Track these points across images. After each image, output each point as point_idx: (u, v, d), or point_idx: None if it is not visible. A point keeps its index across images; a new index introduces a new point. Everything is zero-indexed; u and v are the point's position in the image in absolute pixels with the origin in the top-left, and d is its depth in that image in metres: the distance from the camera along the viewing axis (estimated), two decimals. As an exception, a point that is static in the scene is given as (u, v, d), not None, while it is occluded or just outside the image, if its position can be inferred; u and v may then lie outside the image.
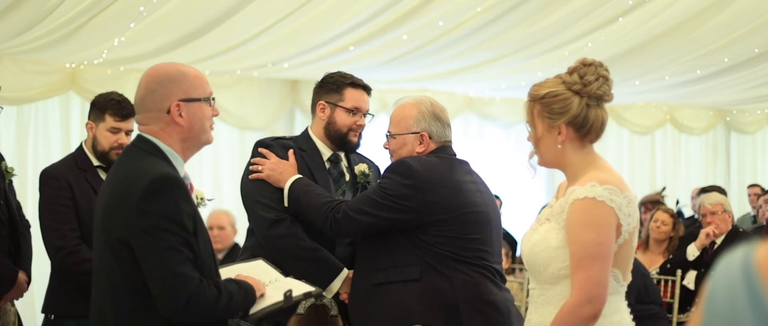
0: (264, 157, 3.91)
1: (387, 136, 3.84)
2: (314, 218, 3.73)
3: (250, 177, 3.88)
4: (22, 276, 4.45)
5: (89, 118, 4.48)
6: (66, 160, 4.58)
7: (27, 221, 4.65)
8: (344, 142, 3.97)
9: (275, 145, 3.95)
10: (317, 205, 3.71)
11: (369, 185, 4.04)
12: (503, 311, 3.67)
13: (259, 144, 3.98)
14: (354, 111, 3.95)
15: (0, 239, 4.37)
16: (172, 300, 2.69)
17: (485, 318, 3.61)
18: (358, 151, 4.14)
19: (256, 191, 3.88)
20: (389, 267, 3.67)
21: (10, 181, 4.57)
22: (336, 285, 3.81)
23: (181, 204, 2.72)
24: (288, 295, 3.02)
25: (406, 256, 3.65)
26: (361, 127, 3.97)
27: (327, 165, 4.00)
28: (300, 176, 3.83)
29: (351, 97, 3.97)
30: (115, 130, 4.37)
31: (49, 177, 4.42)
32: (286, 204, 3.81)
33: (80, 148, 4.52)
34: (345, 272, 3.83)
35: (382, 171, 3.94)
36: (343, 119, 3.95)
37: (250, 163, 3.94)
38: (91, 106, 4.50)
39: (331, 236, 3.77)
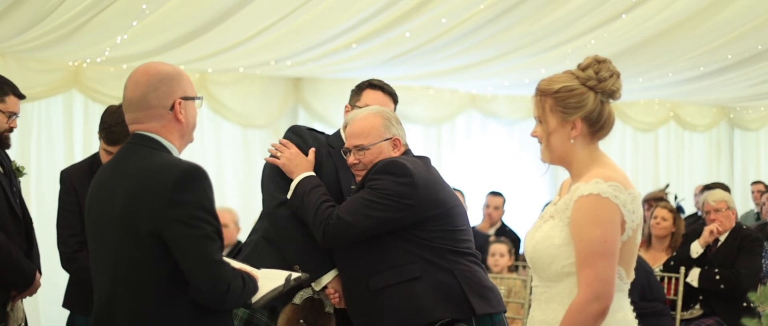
0: (290, 142, 3.95)
1: (358, 149, 3.77)
2: (309, 219, 3.71)
3: (266, 158, 3.93)
4: (37, 274, 4.57)
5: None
6: (82, 162, 4.70)
7: None
8: None
9: (307, 135, 3.99)
10: (315, 207, 3.69)
11: None
12: (497, 294, 3.81)
13: (294, 129, 4.04)
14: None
15: (18, 238, 4.49)
16: (212, 288, 2.76)
17: (488, 303, 3.71)
18: None
19: (276, 170, 3.92)
20: (386, 270, 3.67)
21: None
22: (326, 279, 3.82)
23: (210, 195, 2.81)
24: (288, 279, 3.05)
25: (401, 256, 3.67)
26: None
27: None
28: (312, 174, 3.84)
29: (366, 97, 4.05)
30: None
31: (60, 180, 4.56)
32: (289, 196, 3.81)
33: (98, 152, 4.60)
34: (336, 270, 3.84)
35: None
36: None
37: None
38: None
39: (321, 242, 3.72)
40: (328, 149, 3.97)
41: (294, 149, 3.89)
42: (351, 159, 3.81)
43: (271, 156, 3.92)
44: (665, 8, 7.98)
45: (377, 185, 3.65)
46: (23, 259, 4.44)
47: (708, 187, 8.37)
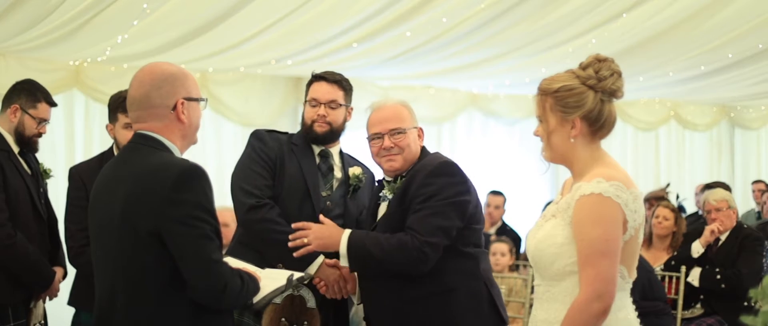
0: (270, 156, 3.99)
1: (394, 133, 3.74)
2: (399, 260, 3.59)
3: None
4: (58, 275, 4.66)
5: (108, 121, 4.56)
6: (93, 159, 4.76)
7: None
8: (309, 133, 4.05)
9: (267, 137, 4.04)
10: (396, 246, 3.57)
11: (361, 188, 4.09)
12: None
13: (255, 134, 4.07)
14: (312, 102, 4.06)
15: (41, 238, 4.58)
16: (210, 287, 2.78)
17: (505, 311, 3.79)
18: (352, 154, 4.25)
19: (240, 177, 3.98)
20: (423, 279, 3.64)
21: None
22: (312, 269, 3.84)
23: (209, 194, 2.82)
24: (290, 279, 3.05)
25: (438, 264, 3.63)
26: (321, 116, 4.02)
27: (317, 159, 4.07)
28: (349, 230, 3.73)
29: (312, 90, 4.10)
30: (129, 126, 4.41)
31: (69, 177, 4.60)
32: (346, 263, 3.66)
33: (110, 149, 4.64)
34: (321, 258, 3.86)
35: (376, 179, 4.02)
36: (307, 112, 4.09)
37: (244, 151, 4.03)
38: (108, 108, 4.59)
39: (417, 272, 3.62)
40: (290, 146, 4.02)
41: (314, 226, 3.73)
42: (386, 143, 3.74)
43: (246, 162, 3.97)
44: (666, 7, 7.98)
45: (436, 192, 3.60)
46: (41, 261, 4.51)
47: (709, 186, 8.37)
